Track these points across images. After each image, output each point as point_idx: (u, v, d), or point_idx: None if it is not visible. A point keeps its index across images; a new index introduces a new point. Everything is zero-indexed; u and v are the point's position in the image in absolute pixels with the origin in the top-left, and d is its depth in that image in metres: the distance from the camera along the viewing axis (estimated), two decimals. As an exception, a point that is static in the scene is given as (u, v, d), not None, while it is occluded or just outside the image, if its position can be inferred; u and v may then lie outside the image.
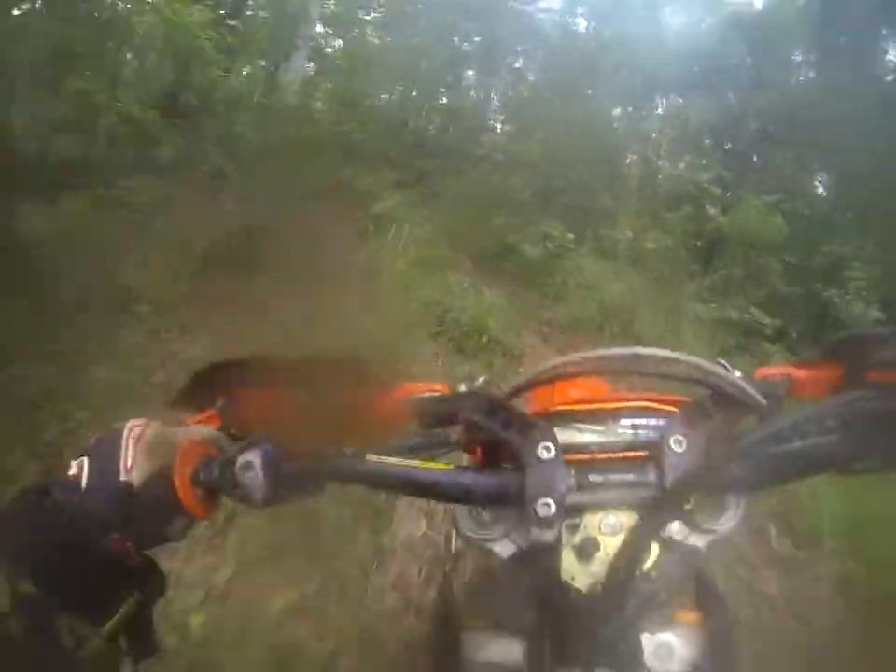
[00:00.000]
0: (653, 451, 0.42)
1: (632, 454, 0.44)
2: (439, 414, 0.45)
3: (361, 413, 0.47)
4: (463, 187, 6.31)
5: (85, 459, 0.41)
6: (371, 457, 0.43)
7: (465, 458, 0.47)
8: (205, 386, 0.50)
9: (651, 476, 0.41)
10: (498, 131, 9.89)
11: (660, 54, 8.43)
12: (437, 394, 0.48)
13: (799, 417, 0.41)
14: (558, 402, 0.48)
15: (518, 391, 0.46)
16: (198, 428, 0.47)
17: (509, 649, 0.47)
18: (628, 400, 0.47)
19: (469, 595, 0.51)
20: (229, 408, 0.48)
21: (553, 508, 0.40)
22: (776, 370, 0.50)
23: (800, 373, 0.49)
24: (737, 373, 0.46)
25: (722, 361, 0.46)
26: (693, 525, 0.42)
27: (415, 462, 0.43)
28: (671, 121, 7.96)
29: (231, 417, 0.48)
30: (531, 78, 11.12)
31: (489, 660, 0.48)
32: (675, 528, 0.42)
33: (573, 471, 0.42)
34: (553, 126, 6.51)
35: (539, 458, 0.41)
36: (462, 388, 0.48)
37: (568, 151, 6.21)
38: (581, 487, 0.42)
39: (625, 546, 0.40)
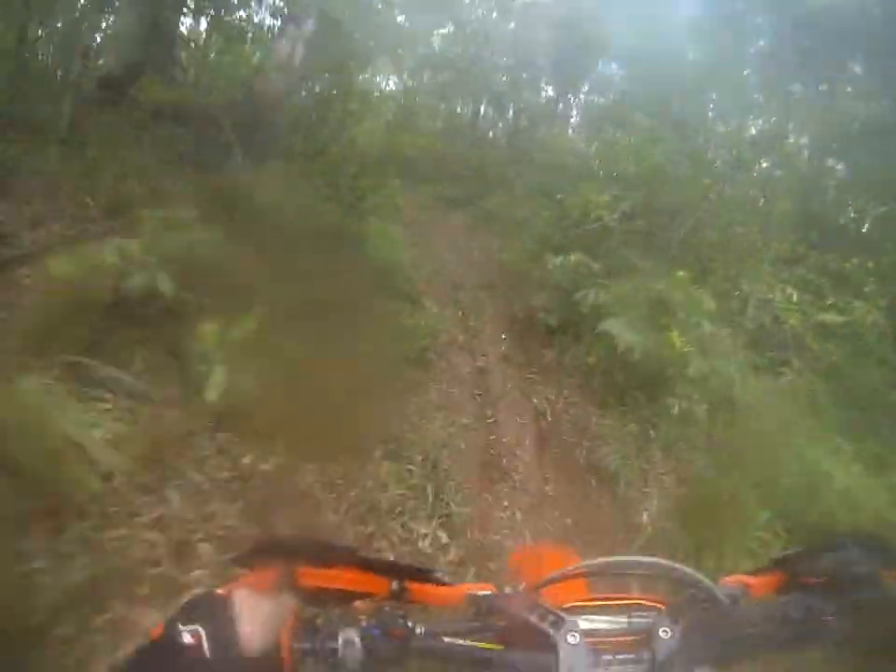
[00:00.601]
0: (645, 637, 0.57)
1: (629, 638, 0.58)
2: (492, 607, 0.60)
3: (421, 598, 0.61)
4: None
5: (199, 629, 0.46)
6: (445, 639, 0.57)
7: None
8: (268, 553, 0.58)
9: (646, 655, 0.55)
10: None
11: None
12: (488, 592, 0.61)
13: (753, 612, 0.60)
14: (572, 598, 0.63)
15: (548, 583, 0.62)
16: (289, 600, 0.54)
17: None
18: (625, 599, 0.63)
19: None
20: (286, 575, 0.55)
21: None
22: (734, 578, 0.64)
23: (751, 580, 0.63)
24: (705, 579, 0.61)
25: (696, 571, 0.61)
26: None
27: (475, 644, 0.58)
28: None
29: (285, 584, 0.56)
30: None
31: None
32: None
33: (592, 654, 0.55)
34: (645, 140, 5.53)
35: (569, 643, 0.56)
36: (507, 590, 0.62)
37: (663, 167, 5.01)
38: (598, 664, 0.55)
39: None
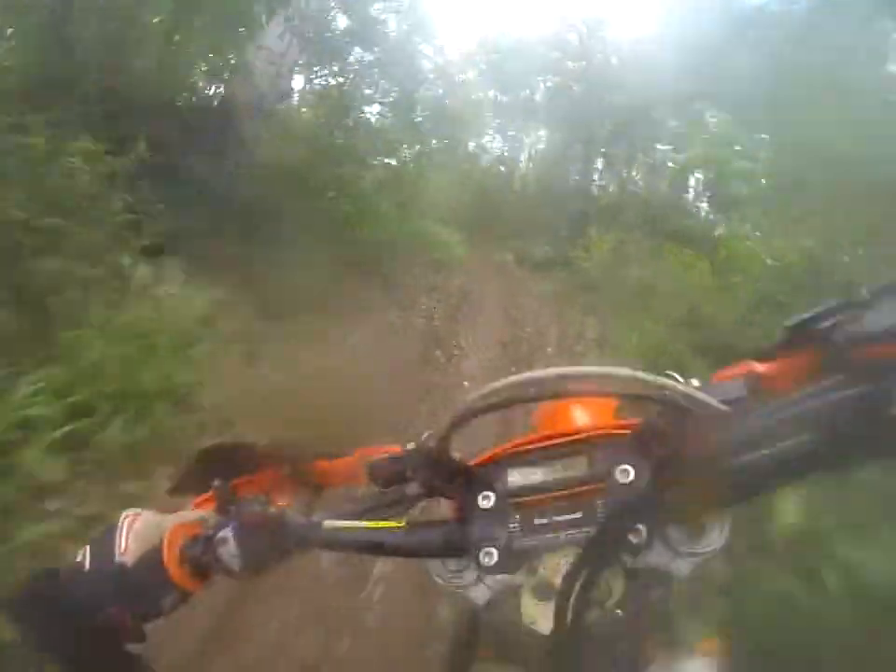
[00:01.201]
0: (599, 484, 0.41)
1: (582, 489, 0.42)
2: (390, 474, 0.48)
3: (322, 479, 0.53)
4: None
5: (87, 547, 0.47)
6: (329, 523, 0.47)
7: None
8: (202, 472, 0.54)
9: (594, 511, 0.40)
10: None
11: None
12: (387, 455, 0.49)
13: (767, 418, 0.36)
14: (517, 442, 0.46)
15: (461, 422, 0.43)
16: (187, 512, 0.53)
17: None
18: (586, 431, 0.44)
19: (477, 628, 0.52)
20: (223, 489, 0.52)
21: (496, 556, 0.41)
22: (736, 369, 0.43)
23: (766, 368, 0.43)
24: (693, 382, 0.43)
25: (671, 373, 0.42)
26: (673, 552, 0.40)
27: (364, 524, 0.47)
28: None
29: (224, 498, 0.52)
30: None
31: None
32: (655, 556, 0.40)
33: (517, 517, 0.42)
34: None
35: (480, 508, 0.43)
36: (410, 446, 0.49)
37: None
38: (526, 532, 0.41)
39: (569, 588, 0.37)
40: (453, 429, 0.43)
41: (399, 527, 0.46)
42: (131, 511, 0.49)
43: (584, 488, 0.41)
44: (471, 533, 0.42)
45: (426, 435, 0.48)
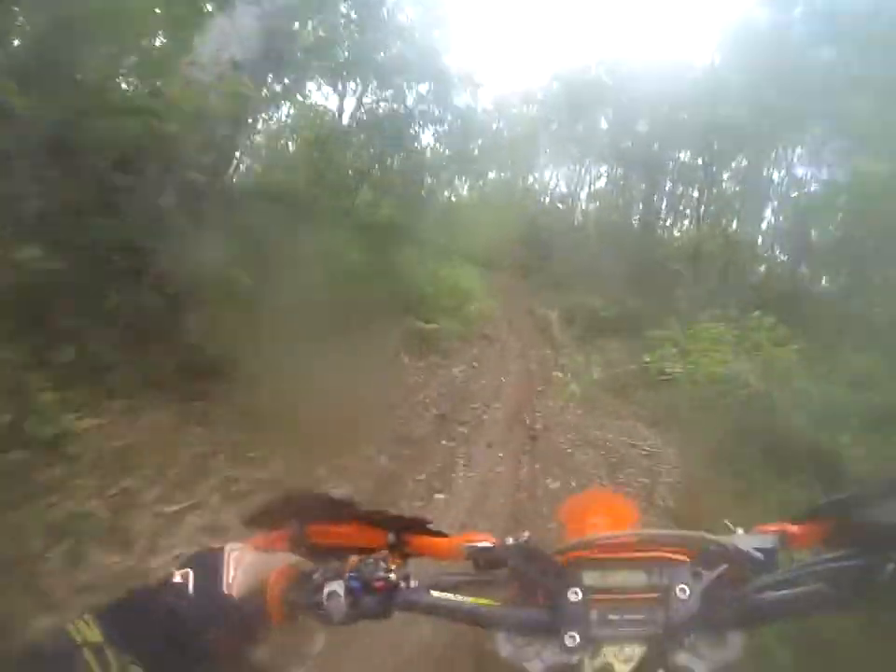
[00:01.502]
0: (662, 595, 0.52)
1: (645, 596, 0.53)
2: (489, 561, 0.57)
3: (420, 550, 0.61)
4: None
5: (189, 571, 0.51)
6: (437, 593, 0.55)
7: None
8: (278, 512, 0.61)
9: (659, 616, 0.51)
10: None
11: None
12: (491, 545, 0.58)
13: (789, 569, 0.51)
14: (595, 551, 0.57)
15: (564, 551, 0.57)
16: (285, 555, 0.57)
17: None
18: (649, 552, 0.56)
19: None
20: (298, 533, 0.58)
21: (578, 639, 0.51)
22: (773, 526, 0.57)
23: (794, 529, 0.56)
24: (739, 531, 0.57)
25: (727, 522, 0.58)
26: (699, 656, 0.51)
27: (466, 598, 0.55)
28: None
29: (298, 542, 0.59)
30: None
31: None
32: (683, 658, 0.50)
33: (596, 611, 0.52)
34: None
35: (569, 600, 0.53)
36: (510, 541, 0.58)
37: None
38: (601, 623, 0.52)
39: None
40: (561, 553, 0.56)
41: (495, 605, 0.55)
42: (235, 545, 0.55)
43: (646, 595, 0.53)
44: (560, 618, 0.52)
45: (526, 534, 0.58)
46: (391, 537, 0.60)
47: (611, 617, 0.52)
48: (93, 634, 0.44)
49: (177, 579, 0.50)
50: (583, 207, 12.29)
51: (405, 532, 0.61)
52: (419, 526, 0.61)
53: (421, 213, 7.00)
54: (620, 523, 0.75)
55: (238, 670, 0.52)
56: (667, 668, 0.50)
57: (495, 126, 11.16)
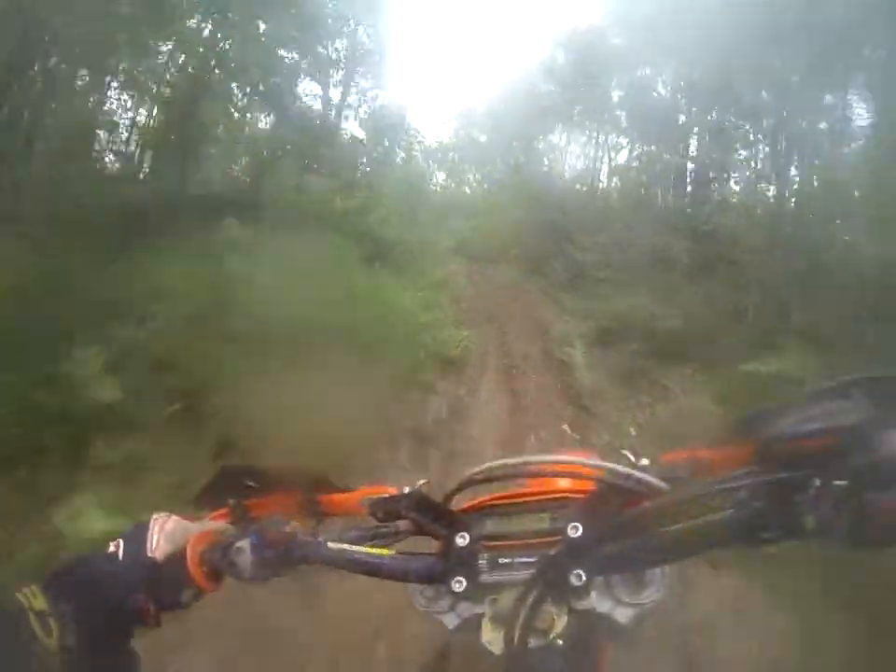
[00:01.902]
0: (555, 536, 0.51)
1: (541, 539, 0.52)
2: (388, 512, 0.59)
3: (327, 508, 0.64)
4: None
5: (121, 540, 0.56)
6: (333, 545, 0.57)
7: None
8: (220, 490, 0.66)
9: (551, 557, 0.49)
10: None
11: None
12: (386, 495, 0.60)
13: (691, 494, 0.45)
14: (495, 496, 0.58)
15: (458, 490, 0.57)
16: (210, 522, 0.63)
17: None
18: (548, 493, 0.56)
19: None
20: (238, 506, 0.63)
21: (465, 584, 0.51)
22: (682, 453, 0.52)
23: (707, 454, 0.51)
24: (644, 461, 0.53)
25: (626, 452, 0.55)
26: (615, 600, 0.50)
27: (364, 549, 0.57)
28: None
29: (239, 513, 0.63)
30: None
31: None
32: (598, 602, 0.48)
33: (486, 555, 0.52)
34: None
35: (457, 545, 0.53)
36: (405, 490, 0.59)
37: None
38: (491, 567, 0.52)
39: (522, 615, 0.47)
40: (456, 493, 0.57)
41: (390, 555, 0.56)
42: (161, 515, 0.59)
43: (545, 539, 0.52)
44: (448, 564, 0.53)
45: (420, 482, 0.60)
46: (300, 496, 0.64)
47: (502, 560, 0.52)
48: (38, 602, 0.48)
49: (111, 548, 0.55)
50: (603, 185, 10.52)
51: (314, 492, 0.64)
52: (327, 485, 0.64)
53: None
54: None
55: (156, 625, 0.55)
56: (572, 613, 0.49)
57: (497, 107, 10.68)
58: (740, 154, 8.46)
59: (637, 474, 0.48)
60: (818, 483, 0.39)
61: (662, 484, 0.48)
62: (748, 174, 8.44)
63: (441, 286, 5.83)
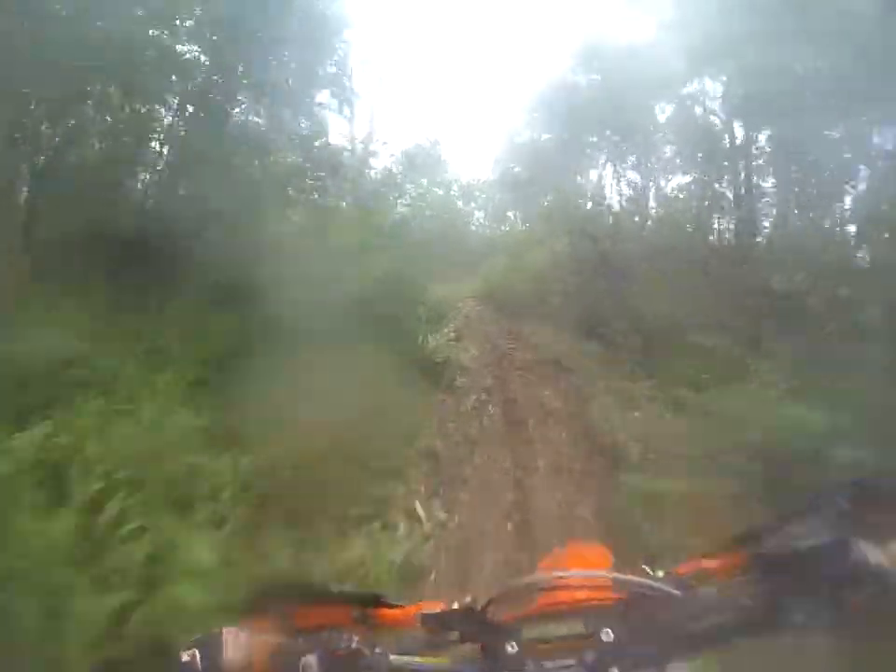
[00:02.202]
0: (590, 640, 0.58)
1: (577, 643, 0.59)
2: (439, 624, 0.64)
3: (388, 624, 0.69)
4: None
5: (196, 651, 0.59)
6: (396, 658, 0.62)
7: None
8: (267, 599, 0.69)
9: (587, 657, 0.58)
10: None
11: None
12: (437, 610, 0.65)
13: (709, 600, 0.57)
14: (537, 605, 0.64)
15: (496, 601, 0.63)
16: (270, 635, 0.65)
17: None
18: (580, 601, 0.62)
19: None
20: (285, 618, 0.67)
21: None
22: (688, 565, 0.63)
23: (709, 563, 0.62)
24: (660, 573, 0.62)
25: (645, 567, 0.63)
26: None
27: (419, 659, 0.63)
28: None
29: (286, 625, 0.67)
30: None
31: None
32: None
33: (531, 659, 0.59)
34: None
35: (507, 652, 0.60)
36: (455, 605, 0.64)
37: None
38: (537, 670, 0.58)
39: None
40: (493, 603, 0.62)
41: (445, 663, 0.63)
42: (232, 628, 0.63)
43: (581, 642, 0.59)
44: (500, 669, 0.59)
45: (468, 598, 0.65)
46: (356, 612, 0.69)
47: (546, 664, 0.58)
48: None
49: (185, 658, 0.59)
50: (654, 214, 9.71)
51: (369, 607, 0.69)
52: (378, 601, 0.70)
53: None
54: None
55: None
56: None
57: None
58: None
59: (656, 584, 0.58)
60: (802, 586, 0.51)
61: (676, 592, 0.57)
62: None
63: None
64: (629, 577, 0.59)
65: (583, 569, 0.65)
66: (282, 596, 0.71)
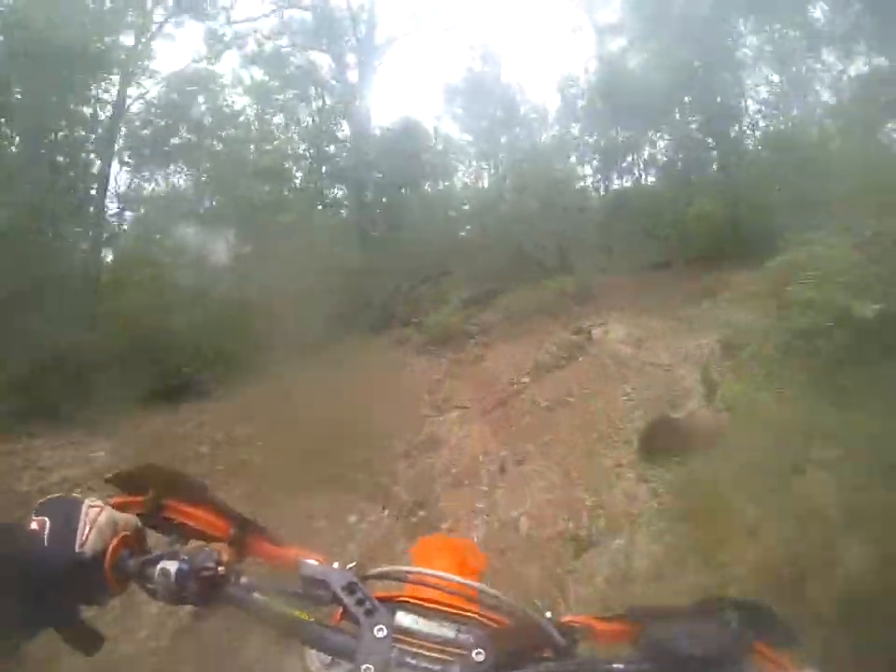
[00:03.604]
0: (462, 653, 0.56)
1: (447, 649, 0.57)
2: (317, 580, 0.60)
3: (262, 557, 0.65)
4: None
5: (46, 520, 0.53)
6: (259, 597, 0.58)
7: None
8: (141, 478, 0.65)
9: (451, 671, 0.54)
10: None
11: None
12: (315, 562, 0.61)
13: (583, 659, 0.55)
14: (411, 593, 0.63)
15: (378, 576, 0.64)
16: (134, 522, 0.60)
17: None
18: (464, 610, 0.61)
19: None
20: (155, 503, 0.63)
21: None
22: (580, 617, 0.61)
23: (599, 625, 0.60)
24: (547, 614, 0.60)
25: (537, 602, 0.61)
26: None
27: (286, 607, 0.58)
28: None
29: (153, 511, 0.63)
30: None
31: None
32: None
33: (397, 650, 0.55)
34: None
35: (374, 636, 0.56)
36: (336, 565, 0.62)
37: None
38: (399, 664, 0.54)
39: None
40: (370, 578, 0.63)
41: (307, 620, 0.58)
42: (94, 502, 0.57)
43: (449, 649, 0.57)
44: (363, 651, 0.55)
45: (352, 564, 0.63)
46: (233, 531, 0.64)
47: (409, 661, 0.55)
48: None
49: (34, 525, 0.53)
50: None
51: (249, 533, 0.65)
52: (261, 531, 0.65)
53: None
54: (465, 571, 0.79)
55: (68, 626, 0.54)
56: None
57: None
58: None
59: (545, 625, 0.57)
60: None
61: (561, 640, 0.56)
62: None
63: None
64: (528, 611, 0.58)
65: (457, 573, 0.63)
66: (159, 481, 0.64)
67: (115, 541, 0.55)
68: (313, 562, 0.61)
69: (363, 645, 0.55)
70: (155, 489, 0.64)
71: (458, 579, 0.61)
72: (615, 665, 0.53)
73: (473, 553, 0.85)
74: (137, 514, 0.62)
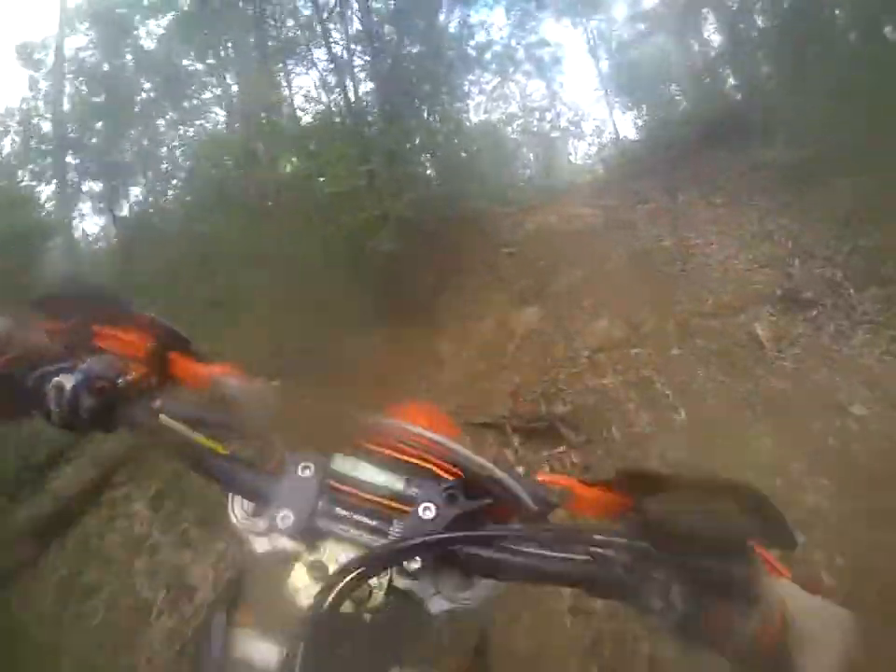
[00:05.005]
0: (407, 508, 0.45)
1: (389, 503, 0.46)
2: (235, 402, 0.50)
3: (175, 371, 0.55)
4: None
5: None
6: (166, 420, 0.48)
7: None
8: (69, 302, 0.57)
9: (388, 527, 0.44)
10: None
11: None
12: (237, 383, 0.52)
13: (558, 532, 0.43)
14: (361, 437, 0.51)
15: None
16: (38, 335, 0.54)
17: (267, 650, 0.45)
18: (418, 458, 0.49)
19: (237, 588, 0.51)
20: (83, 326, 0.55)
21: (291, 522, 0.43)
22: (560, 479, 0.48)
23: (584, 491, 0.47)
24: (519, 470, 0.45)
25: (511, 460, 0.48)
26: (436, 589, 0.44)
27: (195, 434, 0.48)
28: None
29: (81, 337, 0.55)
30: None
31: (248, 661, 0.47)
32: (419, 587, 0.43)
33: (326, 498, 0.45)
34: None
35: (297, 474, 0.45)
36: (260, 381, 0.52)
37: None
38: (324, 514, 0.44)
39: (339, 577, 0.40)
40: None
41: (221, 452, 0.48)
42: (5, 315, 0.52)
43: (391, 503, 0.46)
44: (280, 492, 0.45)
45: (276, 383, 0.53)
46: (150, 345, 0.54)
47: (339, 511, 0.45)
48: None
49: None
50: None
51: (169, 346, 0.55)
52: (184, 345, 0.55)
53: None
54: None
55: None
56: (386, 587, 0.43)
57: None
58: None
59: (513, 485, 0.45)
60: (676, 570, 0.38)
61: (531, 504, 0.45)
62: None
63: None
64: (490, 466, 0.46)
65: (430, 431, 0.50)
66: (88, 306, 0.56)
67: (15, 349, 0.49)
68: (233, 381, 0.51)
69: (283, 485, 0.44)
70: (81, 314, 0.56)
71: (417, 429, 0.48)
72: (597, 537, 0.41)
73: (446, 422, 0.75)
74: (66, 343, 0.54)
